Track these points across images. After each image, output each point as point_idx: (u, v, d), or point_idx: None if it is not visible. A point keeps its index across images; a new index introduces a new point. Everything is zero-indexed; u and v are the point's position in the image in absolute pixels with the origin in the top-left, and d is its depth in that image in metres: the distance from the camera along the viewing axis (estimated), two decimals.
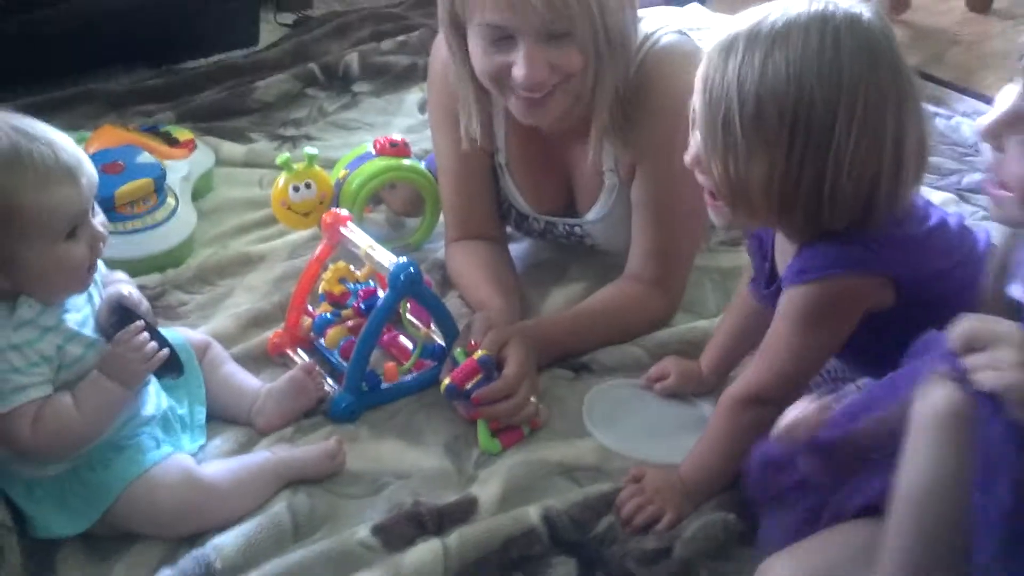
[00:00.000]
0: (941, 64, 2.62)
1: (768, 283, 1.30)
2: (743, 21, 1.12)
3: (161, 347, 1.30)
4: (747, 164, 1.11)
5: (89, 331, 1.30)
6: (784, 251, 1.25)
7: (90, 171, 1.25)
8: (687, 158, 1.19)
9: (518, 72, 1.42)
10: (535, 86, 1.44)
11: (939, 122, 2.27)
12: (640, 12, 1.55)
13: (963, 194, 2.00)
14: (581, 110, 1.51)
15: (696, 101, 1.16)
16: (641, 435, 1.45)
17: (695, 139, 1.18)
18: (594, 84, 1.46)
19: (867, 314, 1.19)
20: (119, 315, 1.31)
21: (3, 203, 1.19)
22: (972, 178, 2.04)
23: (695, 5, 1.92)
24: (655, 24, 1.56)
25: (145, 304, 1.39)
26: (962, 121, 2.27)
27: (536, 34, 1.40)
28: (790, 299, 1.20)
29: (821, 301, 1.18)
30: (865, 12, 1.11)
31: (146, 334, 1.29)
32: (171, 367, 1.33)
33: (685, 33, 1.57)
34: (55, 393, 1.25)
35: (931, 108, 2.22)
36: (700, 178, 1.19)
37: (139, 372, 1.28)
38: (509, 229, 1.80)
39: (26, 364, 1.23)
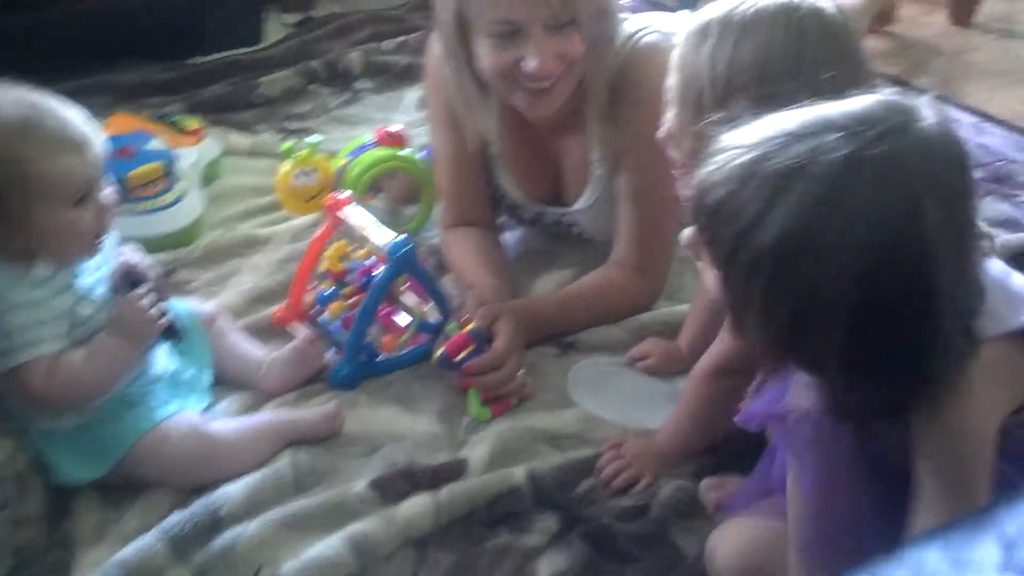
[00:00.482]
0: (923, 74, 2.71)
1: None
2: (717, 8, 1.22)
3: (164, 313, 1.40)
4: (715, 139, 1.21)
5: (100, 294, 1.39)
6: None
7: (98, 144, 1.35)
8: (660, 133, 1.29)
9: (529, 64, 1.52)
10: (546, 75, 1.54)
11: None
12: (629, 15, 1.66)
13: None
14: (572, 101, 1.61)
15: (671, 79, 1.25)
16: (621, 404, 1.54)
17: (668, 115, 1.27)
18: (593, 68, 1.57)
19: None
20: (130, 280, 1.41)
21: (16, 169, 1.29)
22: None
23: (685, 13, 2.02)
24: (638, 24, 1.66)
25: (154, 272, 1.48)
26: None
27: (545, 25, 1.50)
28: None
29: None
30: (828, 6, 1.21)
31: (152, 296, 1.39)
32: (171, 332, 1.43)
33: (666, 34, 1.67)
34: (68, 349, 1.35)
35: None
36: (672, 152, 1.28)
37: (145, 331, 1.38)
38: (502, 219, 1.90)
39: (40, 321, 1.33)
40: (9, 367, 1.33)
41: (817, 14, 1.19)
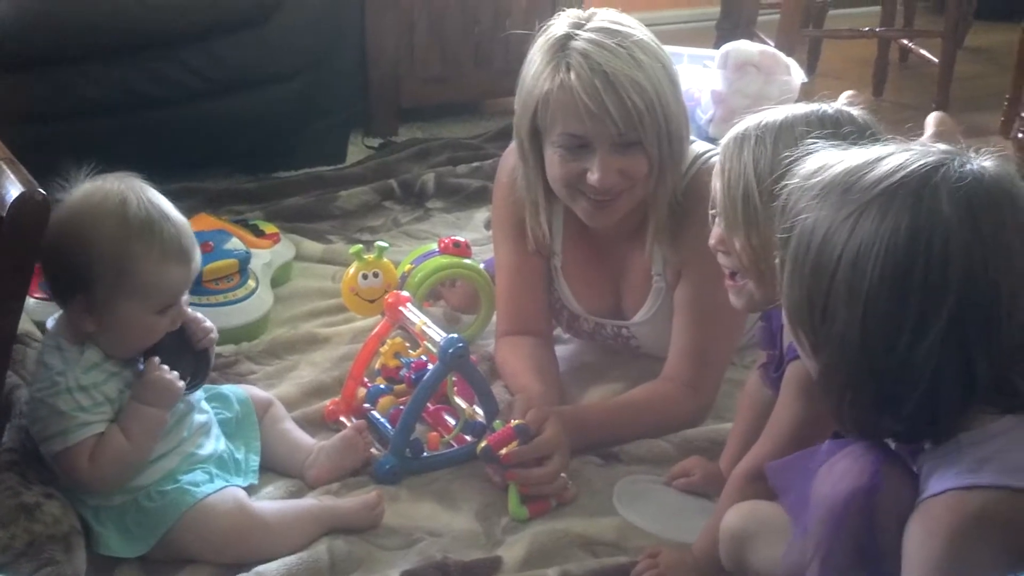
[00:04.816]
0: None
1: (776, 367, 1.40)
2: (750, 120, 1.30)
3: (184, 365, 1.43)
4: (767, 232, 1.24)
5: None
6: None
7: (198, 258, 1.44)
8: (711, 240, 1.34)
9: (592, 177, 1.60)
10: (607, 189, 1.62)
11: None
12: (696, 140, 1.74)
13: None
14: (636, 216, 1.68)
15: (716, 187, 1.31)
16: (663, 516, 1.55)
17: (717, 224, 1.32)
18: (655, 187, 1.65)
19: None
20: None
21: (125, 264, 1.36)
22: None
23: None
24: (705, 147, 1.73)
25: (213, 333, 1.52)
26: None
27: (610, 143, 1.59)
28: (792, 371, 1.31)
29: None
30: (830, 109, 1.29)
31: (164, 366, 1.41)
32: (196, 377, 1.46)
33: None
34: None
35: None
36: (722, 260, 1.33)
37: (170, 395, 1.41)
38: (558, 331, 1.94)
39: (92, 404, 1.39)
40: (58, 450, 1.38)
41: (845, 111, 1.28)
